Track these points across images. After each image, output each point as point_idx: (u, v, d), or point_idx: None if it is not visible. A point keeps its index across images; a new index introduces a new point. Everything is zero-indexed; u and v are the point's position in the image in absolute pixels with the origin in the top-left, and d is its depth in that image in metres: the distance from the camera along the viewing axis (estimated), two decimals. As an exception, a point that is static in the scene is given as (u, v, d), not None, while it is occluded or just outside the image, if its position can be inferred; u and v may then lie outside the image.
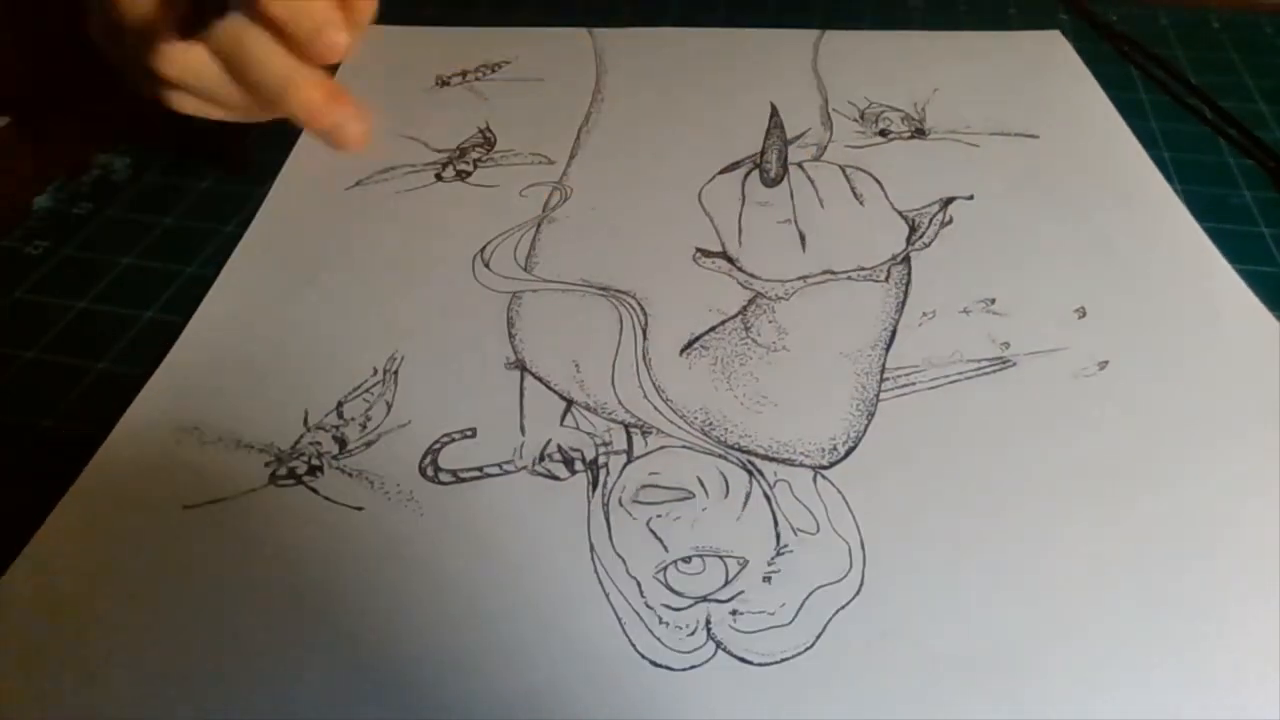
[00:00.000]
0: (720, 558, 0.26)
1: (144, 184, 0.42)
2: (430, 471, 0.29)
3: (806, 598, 0.25)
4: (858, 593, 0.25)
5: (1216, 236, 0.38)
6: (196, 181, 0.42)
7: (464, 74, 0.49)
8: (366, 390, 0.31)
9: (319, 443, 0.30)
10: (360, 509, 0.28)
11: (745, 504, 0.27)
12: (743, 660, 0.24)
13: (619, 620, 0.25)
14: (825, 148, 0.43)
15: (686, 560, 0.26)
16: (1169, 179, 0.42)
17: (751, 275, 0.37)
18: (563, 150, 0.43)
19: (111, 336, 0.34)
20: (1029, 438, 0.30)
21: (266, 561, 0.26)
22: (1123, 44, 0.52)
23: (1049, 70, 0.49)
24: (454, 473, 0.29)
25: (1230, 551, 0.26)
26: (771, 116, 0.45)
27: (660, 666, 0.24)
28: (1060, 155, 0.43)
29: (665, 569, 0.26)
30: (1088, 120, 0.45)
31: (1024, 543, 0.27)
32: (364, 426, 0.30)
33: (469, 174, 0.42)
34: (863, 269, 0.37)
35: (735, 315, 0.35)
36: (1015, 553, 0.26)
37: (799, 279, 0.36)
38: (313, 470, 0.29)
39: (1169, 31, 0.53)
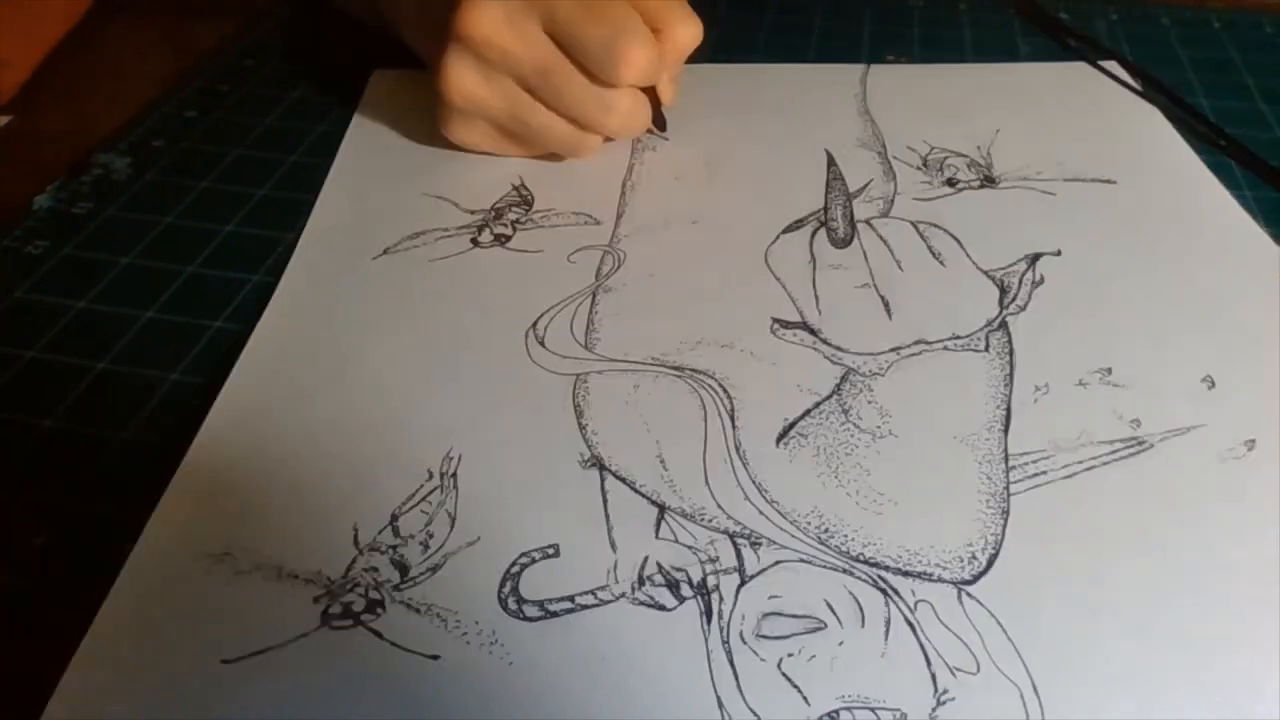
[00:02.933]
0: (873, 710, 0.22)
1: (144, 184, 0.42)
2: (513, 604, 0.24)
3: (987, 761, 0.21)
4: (1044, 753, 0.21)
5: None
6: (196, 181, 0.42)
7: (489, 125, 0.45)
8: (424, 499, 0.27)
9: (375, 569, 0.25)
10: (435, 657, 0.23)
11: (887, 635, 0.23)
12: None
13: (768, 798, 0.20)
14: (892, 201, 0.40)
15: (833, 716, 0.22)
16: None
17: (839, 348, 0.33)
18: (608, 208, 0.40)
19: (111, 336, 0.34)
20: (1190, 534, 0.26)
21: (326, 725, 0.22)
22: (1070, 39, 0.51)
23: (1110, 104, 0.46)
24: (541, 605, 0.24)
25: None
26: (829, 167, 0.42)
27: None
28: (1142, 202, 0.40)
29: (812, 728, 0.22)
30: (1161, 160, 0.42)
31: (1223, 666, 0.23)
32: (426, 546, 0.26)
33: (508, 238, 0.38)
34: (958, 337, 0.33)
35: (830, 396, 0.31)
36: (1216, 684, 0.23)
37: (891, 350, 0.33)
38: (372, 606, 0.24)
39: (1169, 31, 0.53)
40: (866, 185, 0.41)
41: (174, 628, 0.24)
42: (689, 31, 0.39)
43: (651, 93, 0.40)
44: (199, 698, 0.23)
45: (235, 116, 0.46)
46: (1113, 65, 0.49)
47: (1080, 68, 0.49)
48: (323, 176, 0.41)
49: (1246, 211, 0.39)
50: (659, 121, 0.42)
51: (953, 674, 0.22)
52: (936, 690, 0.22)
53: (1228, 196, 0.40)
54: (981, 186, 0.41)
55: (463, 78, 0.37)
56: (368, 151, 0.43)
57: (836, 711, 0.22)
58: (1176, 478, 0.28)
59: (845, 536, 0.26)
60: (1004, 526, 0.26)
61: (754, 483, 0.28)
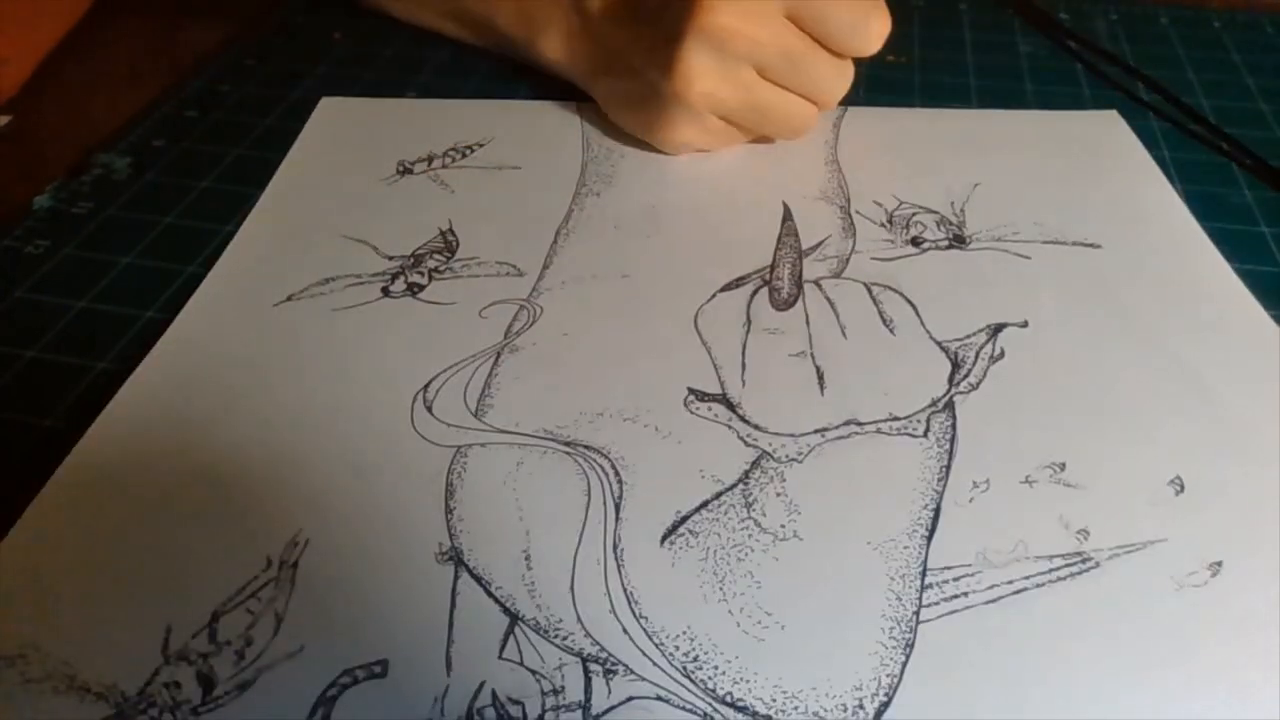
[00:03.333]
0: None
1: (144, 184, 0.41)
2: (317, 738, 0.21)
3: None
4: None
5: (1216, 236, 0.37)
6: (196, 181, 0.41)
7: (429, 159, 0.42)
8: (253, 594, 0.24)
9: (177, 684, 0.22)
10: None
11: (740, 800, 0.20)
12: None
13: None
14: (847, 260, 0.36)
15: None
16: (1170, 178, 0.40)
17: (756, 427, 0.29)
18: (536, 258, 0.37)
19: (111, 336, 0.34)
20: (1127, 686, 0.22)
21: None
22: (1069, 39, 0.50)
23: (1105, 161, 0.42)
24: (347, 743, 0.21)
25: None
26: (784, 221, 0.38)
27: None
28: (1130, 271, 0.35)
29: None
30: (1157, 226, 0.38)
31: None
32: (241, 655, 0.23)
33: (422, 287, 0.35)
34: (895, 418, 0.30)
35: (735, 484, 0.27)
36: None
37: (816, 432, 0.29)
38: (160, 732, 0.21)
39: (1169, 31, 0.52)
40: (822, 242, 0.37)
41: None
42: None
43: None
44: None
45: (235, 116, 0.46)
46: (1112, 115, 0.45)
47: (1079, 117, 0.45)
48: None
49: (1255, 234, 0.36)
50: None
51: None
52: None
53: (1227, 269, 0.35)
54: (950, 247, 0.37)
55: (704, 74, 0.37)
56: (299, 185, 0.41)
57: None
58: (1121, 609, 0.24)
59: (715, 668, 0.22)
60: (904, 665, 0.23)
61: (625, 591, 0.24)
